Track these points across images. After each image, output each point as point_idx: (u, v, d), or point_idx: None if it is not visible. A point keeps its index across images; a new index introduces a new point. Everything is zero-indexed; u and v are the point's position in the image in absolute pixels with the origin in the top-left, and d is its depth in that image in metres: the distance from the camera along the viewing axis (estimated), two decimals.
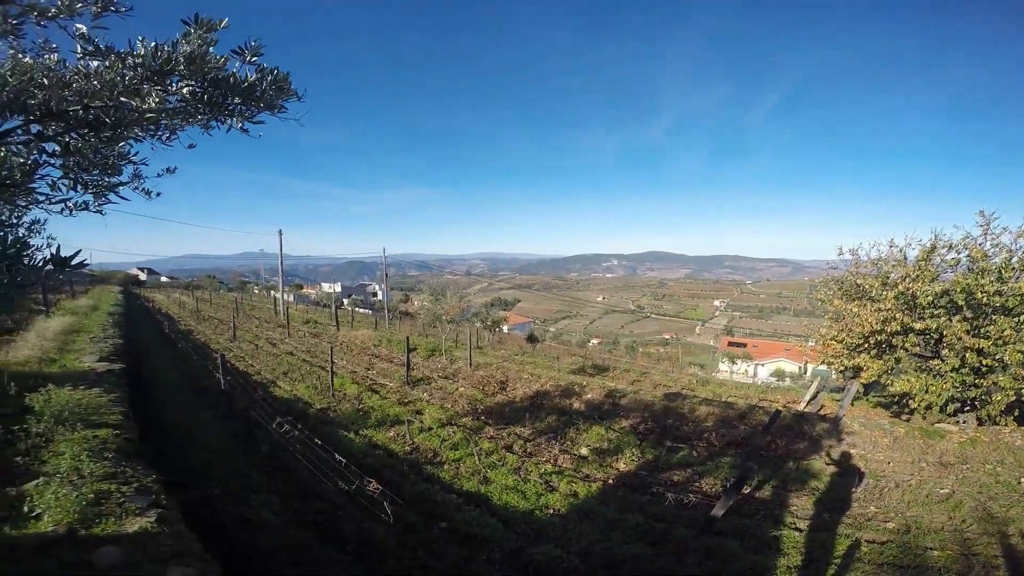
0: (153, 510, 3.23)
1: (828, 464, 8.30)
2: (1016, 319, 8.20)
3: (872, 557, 5.45)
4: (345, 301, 53.83)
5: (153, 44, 2.53)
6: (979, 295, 8.42)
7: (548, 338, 48.59)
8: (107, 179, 3.12)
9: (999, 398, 8.38)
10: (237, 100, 2.84)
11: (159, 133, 3.03)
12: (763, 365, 48.64)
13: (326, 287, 76.60)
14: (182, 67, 2.58)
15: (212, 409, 9.45)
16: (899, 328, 9.30)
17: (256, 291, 58.48)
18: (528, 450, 9.10)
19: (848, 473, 7.87)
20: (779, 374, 42.13)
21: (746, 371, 46.59)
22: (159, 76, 2.59)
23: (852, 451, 8.70)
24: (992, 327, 8.29)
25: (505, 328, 41.02)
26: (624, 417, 10.93)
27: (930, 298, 9.08)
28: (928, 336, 9.52)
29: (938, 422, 9.46)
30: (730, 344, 62.22)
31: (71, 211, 3.08)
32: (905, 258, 10.02)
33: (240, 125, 2.95)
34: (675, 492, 7.24)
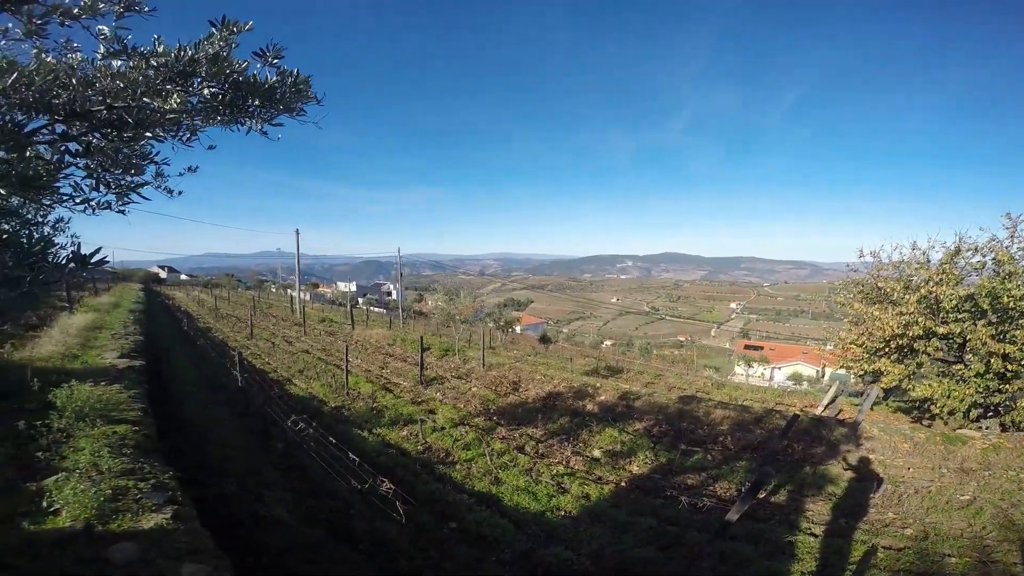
0: (169, 507, 3.25)
1: (846, 469, 8.15)
2: None
3: (888, 563, 5.36)
4: (360, 300, 54.30)
5: (177, 45, 2.56)
6: (1005, 299, 8.23)
7: (561, 339, 48.45)
8: (129, 179, 3.17)
9: None
10: (257, 102, 2.86)
11: (180, 134, 3.06)
12: (780, 368, 47.95)
13: (342, 286, 77.40)
14: (204, 68, 2.61)
15: (229, 406, 9.57)
16: (921, 332, 9.12)
17: (273, 289, 59.26)
18: (540, 451, 9.08)
19: (866, 478, 7.73)
20: (796, 378, 41.50)
21: (762, 374, 45.95)
22: (182, 77, 2.62)
23: (871, 456, 8.53)
24: (1019, 332, 8.09)
25: (518, 328, 41.00)
26: (638, 419, 10.85)
27: (954, 302, 8.89)
28: (951, 341, 9.32)
29: (960, 428, 9.25)
30: (746, 347, 61.45)
31: (94, 210, 3.11)
32: (928, 261, 9.82)
33: (259, 127, 2.97)
34: (689, 496, 7.17)
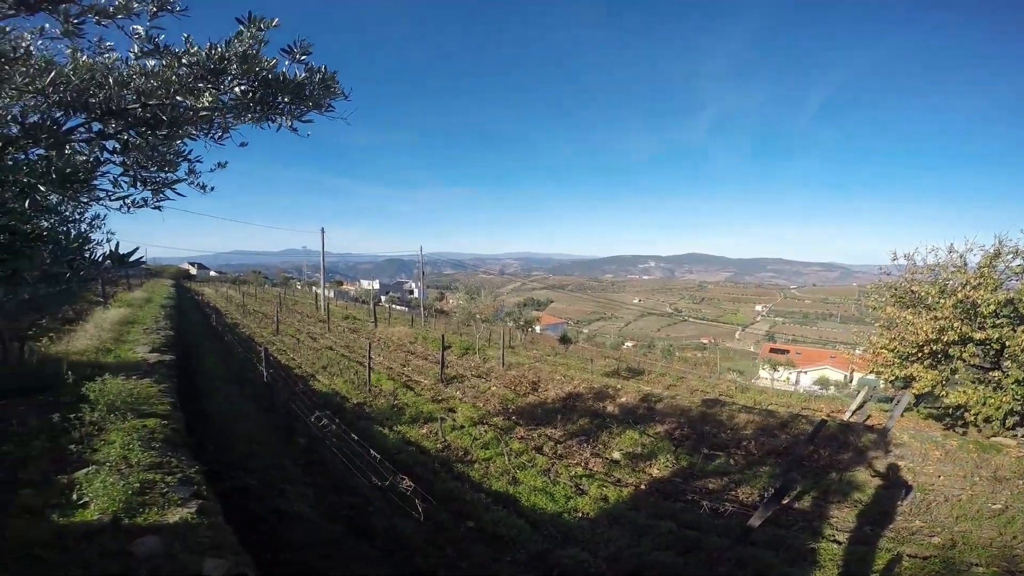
0: (194, 501, 3.32)
1: (873, 476, 7.94)
2: None
3: (913, 571, 5.25)
4: (383, 298, 54.93)
5: (208, 44, 2.61)
6: None
7: (581, 339, 48.18)
8: (165, 175, 3.24)
9: None
10: (286, 99, 2.90)
11: (212, 131, 3.12)
12: (806, 373, 46.85)
13: (365, 284, 78.40)
14: (235, 66, 2.65)
15: (255, 401, 9.76)
16: (956, 338, 8.84)
17: (299, 287, 60.32)
18: (558, 452, 9.04)
19: (894, 486, 7.51)
20: (823, 382, 40.50)
21: (788, 378, 44.97)
22: (213, 75, 2.67)
23: (900, 463, 8.28)
24: None
25: (538, 328, 40.91)
26: (659, 422, 10.73)
27: (992, 307, 8.60)
28: (988, 346, 9.01)
29: (995, 435, 8.93)
30: (772, 350, 60.19)
31: (129, 208, 3.20)
32: (965, 264, 9.50)
33: (289, 124, 3.00)
34: (710, 500, 7.05)
